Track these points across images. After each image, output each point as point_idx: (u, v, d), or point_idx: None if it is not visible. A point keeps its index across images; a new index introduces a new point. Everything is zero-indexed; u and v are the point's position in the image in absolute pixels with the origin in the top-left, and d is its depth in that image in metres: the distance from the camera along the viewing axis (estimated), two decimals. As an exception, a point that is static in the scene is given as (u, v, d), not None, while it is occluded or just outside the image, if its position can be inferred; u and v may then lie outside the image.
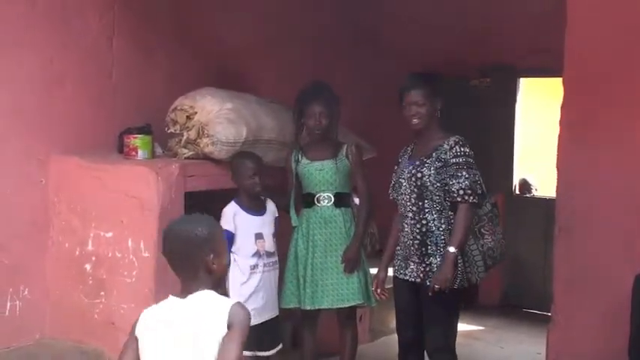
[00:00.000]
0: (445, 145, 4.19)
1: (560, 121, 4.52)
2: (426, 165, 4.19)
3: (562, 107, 4.51)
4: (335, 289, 4.76)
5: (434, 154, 4.20)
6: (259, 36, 6.09)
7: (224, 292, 2.88)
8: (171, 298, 2.74)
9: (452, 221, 4.15)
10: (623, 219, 4.32)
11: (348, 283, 4.76)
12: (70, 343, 4.65)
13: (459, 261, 4.11)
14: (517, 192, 7.72)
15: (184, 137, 4.85)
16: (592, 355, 4.38)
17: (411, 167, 4.26)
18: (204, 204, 4.71)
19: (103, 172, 4.63)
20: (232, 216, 4.59)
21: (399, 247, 4.36)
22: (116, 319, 4.54)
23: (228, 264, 2.93)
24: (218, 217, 4.62)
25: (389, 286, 4.49)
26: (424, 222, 4.19)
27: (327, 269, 4.77)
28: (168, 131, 4.95)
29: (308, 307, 4.78)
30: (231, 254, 4.43)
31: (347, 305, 4.81)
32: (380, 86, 7.13)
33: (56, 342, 4.69)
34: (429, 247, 4.18)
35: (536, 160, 7.78)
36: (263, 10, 6.16)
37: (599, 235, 4.39)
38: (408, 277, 4.26)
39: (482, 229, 4.27)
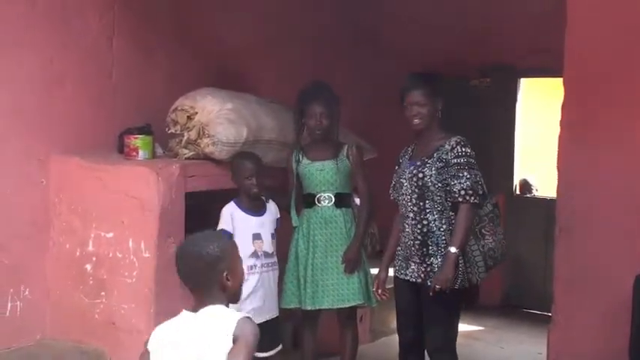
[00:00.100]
0: (446, 146, 4.18)
1: (561, 122, 4.53)
2: (428, 165, 4.19)
3: (562, 107, 4.51)
4: (335, 290, 4.76)
5: (435, 154, 4.20)
6: (259, 36, 6.09)
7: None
8: (184, 313, 2.72)
9: (453, 221, 4.15)
10: (624, 219, 4.32)
11: (348, 283, 4.77)
12: (70, 343, 4.65)
13: (460, 261, 4.11)
14: (518, 192, 7.72)
15: (185, 137, 4.85)
16: (592, 355, 4.38)
17: (412, 167, 4.26)
18: (205, 204, 4.74)
19: (103, 173, 4.63)
20: (230, 216, 4.60)
21: (399, 248, 4.36)
22: (117, 319, 4.55)
23: (244, 276, 2.88)
24: (218, 217, 4.62)
25: (389, 286, 4.49)
26: (425, 222, 4.19)
27: (328, 269, 4.77)
28: (169, 131, 4.95)
29: (308, 307, 4.78)
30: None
31: (347, 305, 4.81)
32: (380, 86, 7.13)
33: (57, 342, 4.69)
34: (430, 248, 4.18)
35: (536, 160, 7.78)
36: (263, 10, 6.16)
37: (600, 235, 4.39)
38: (408, 278, 4.26)
39: (483, 230, 4.27)
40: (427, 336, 4.25)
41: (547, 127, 5.73)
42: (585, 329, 4.42)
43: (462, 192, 4.11)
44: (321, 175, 4.80)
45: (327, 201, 4.81)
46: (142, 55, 5.29)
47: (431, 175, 4.17)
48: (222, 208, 4.64)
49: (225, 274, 2.70)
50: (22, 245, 4.63)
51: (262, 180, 4.67)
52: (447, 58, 7.11)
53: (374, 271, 4.66)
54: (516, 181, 7.71)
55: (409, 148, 4.42)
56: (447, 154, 4.17)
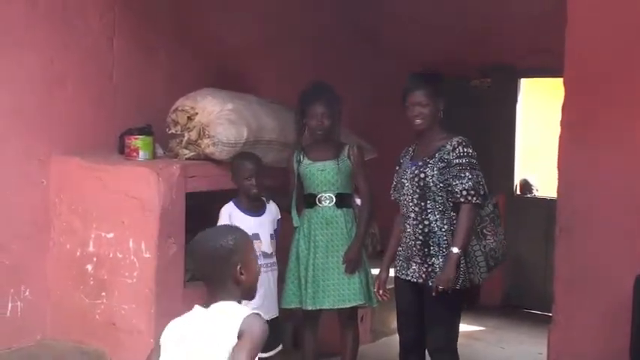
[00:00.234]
0: (448, 146, 4.18)
1: (561, 122, 4.53)
2: (429, 165, 4.19)
3: (562, 107, 4.51)
4: (336, 290, 4.76)
5: (437, 154, 4.19)
6: (259, 36, 6.09)
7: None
8: (195, 308, 2.70)
9: (454, 222, 4.15)
10: (624, 219, 4.32)
11: (349, 283, 4.77)
12: (71, 343, 4.65)
13: (461, 261, 4.11)
14: (518, 192, 7.72)
15: (185, 138, 4.86)
16: (593, 355, 4.38)
17: (413, 168, 4.26)
18: (205, 205, 4.74)
19: (104, 173, 4.63)
20: (228, 216, 4.60)
21: (400, 248, 4.36)
22: (117, 319, 4.55)
23: (259, 271, 2.85)
24: (217, 217, 4.63)
25: (390, 286, 4.49)
26: (426, 222, 4.19)
27: (329, 269, 4.77)
28: (169, 132, 4.95)
29: (309, 308, 4.78)
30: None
31: (348, 306, 4.81)
32: (380, 86, 7.14)
33: (57, 343, 4.69)
34: (432, 248, 4.18)
35: (537, 160, 7.78)
36: (263, 10, 6.16)
37: (600, 235, 4.39)
38: (410, 278, 4.26)
39: (484, 230, 4.27)
40: (428, 336, 4.25)
41: (547, 127, 5.74)
42: (586, 329, 4.42)
43: (464, 192, 4.11)
44: (322, 175, 4.80)
45: (328, 201, 4.82)
46: (143, 55, 5.29)
47: (432, 176, 4.16)
48: (222, 208, 4.65)
49: (238, 267, 2.67)
50: (23, 245, 4.63)
51: (262, 180, 4.67)
52: (447, 58, 7.11)
53: (375, 271, 4.66)
54: (517, 182, 7.71)
55: (410, 149, 4.42)
56: (448, 154, 4.17)
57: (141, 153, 4.75)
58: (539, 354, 5.34)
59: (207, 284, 2.72)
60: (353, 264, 4.76)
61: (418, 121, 4.25)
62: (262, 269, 4.61)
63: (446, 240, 4.16)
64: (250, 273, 2.73)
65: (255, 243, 4.59)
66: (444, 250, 4.14)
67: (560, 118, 4.53)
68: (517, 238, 7.01)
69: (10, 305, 4.57)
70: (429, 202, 4.19)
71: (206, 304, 2.67)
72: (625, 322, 4.08)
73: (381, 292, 4.48)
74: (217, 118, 4.79)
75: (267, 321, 4.62)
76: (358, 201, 4.93)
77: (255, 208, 4.71)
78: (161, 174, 4.50)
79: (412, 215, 4.24)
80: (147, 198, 4.48)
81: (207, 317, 2.64)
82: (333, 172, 4.80)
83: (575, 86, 4.45)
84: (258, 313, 2.63)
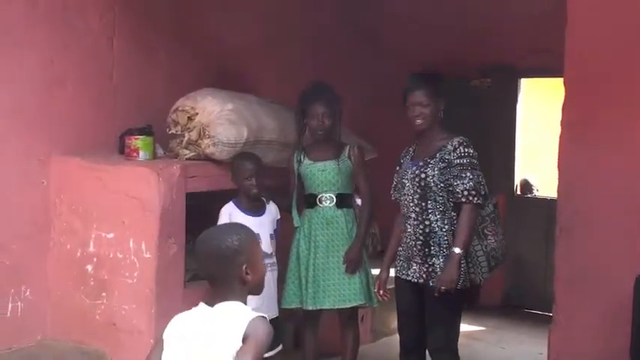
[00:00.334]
0: (449, 146, 4.18)
1: (561, 122, 4.52)
2: (430, 165, 4.19)
3: (563, 107, 4.51)
4: (337, 290, 4.77)
5: (437, 154, 4.19)
6: (259, 36, 6.10)
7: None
8: (201, 305, 2.66)
9: (455, 222, 4.15)
10: (624, 219, 4.32)
11: (349, 283, 4.77)
12: (71, 343, 4.65)
13: (462, 262, 4.11)
14: (518, 192, 7.72)
15: (185, 138, 4.86)
16: (593, 355, 4.38)
17: (414, 168, 4.25)
18: (205, 205, 4.74)
19: (104, 173, 4.64)
20: (228, 216, 4.60)
21: (401, 248, 4.36)
22: (117, 319, 4.55)
23: (265, 269, 2.81)
24: (217, 217, 4.63)
25: (391, 286, 4.49)
26: (427, 223, 4.19)
27: (329, 270, 4.77)
28: (170, 132, 4.95)
29: (310, 308, 4.78)
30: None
31: (349, 306, 4.81)
32: (380, 86, 7.14)
33: (57, 343, 4.69)
34: (432, 248, 4.18)
35: (537, 160, 7.78)
36: (263, 10, 6.16)
37: (600, 235, 4.39)
38: (410, 278, 4.26)
39: (485, 230, 4.27)
40: (429, 336, 4.25)
41: (547, 127, 5.74)
42: (586, 329, 4.42)
43: (465, 192, 4.11)
44: (323, 175, 4.80)
45: (328, 201, 4.82)
46: (143, 55, 5.29)
47: (433, 176, 4.16)
48: (222, 208, 4.65)
49: (244, 267, 2.63)
50: (23, 246, 4.64)
51: (262, 180, 4.67)
52: (447, 58, 7.11)
53: (375, 271, 4.66)
54: (517, 182, 7.71)
55: (410, 149, 4.42)
56: (449, 154, 4.16)
57: (141, 153, 4.76)
58: (540, 354, 5.34)
59: (211, 284, 2.68)
60: (353, 264, 4.76)
61: (419, 121, 4.24)
62: (265, 269, 4.63)
63: (446, 240, 4.16)
64: (256, 272, 2.68)
65: (256, 243, 4.60)
66: (445, 251, 4.14)
67: (560, 118, 4.53)
68: (517, 238, 7.01)
69: (10, 305, 4.57)
70: (429, 202, 4.19)
71: (211, 303, 2.63)
72: (625, 322, 4.08)
73: (381, 292, 4.48)
74: (217, 119, 4.79)
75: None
76: (359, 201, 4.93)
77: (255, 208, 4.71)
78: (161, 174, 4.50)
79: (413, 215, 4.24)
80: (147, 198, 4.48)
81: (212, 317, 2.61)
82: (334, 173, 4.80)
83: (575, 86, 4.45)
84: (263, 316, 2.60)
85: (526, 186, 7.78)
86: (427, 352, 4.35)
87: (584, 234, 4.43)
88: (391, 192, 4.44)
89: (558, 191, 4.58)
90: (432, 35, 7.32)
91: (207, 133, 4.76)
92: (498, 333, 6.77)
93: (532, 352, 5.95)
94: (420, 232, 4.20)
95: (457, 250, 4.07)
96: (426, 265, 4.19)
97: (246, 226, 2.79)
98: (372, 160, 5.49)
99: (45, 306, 4.74)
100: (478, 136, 4.83)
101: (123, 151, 4.88)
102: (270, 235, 4.74)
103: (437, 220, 4.18)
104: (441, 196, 4.17)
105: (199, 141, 4.79)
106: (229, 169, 4.77)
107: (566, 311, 4.50)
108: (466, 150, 4.16)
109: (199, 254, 2.70)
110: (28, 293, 4.65)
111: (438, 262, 4.15)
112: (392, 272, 4.47)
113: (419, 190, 4.21)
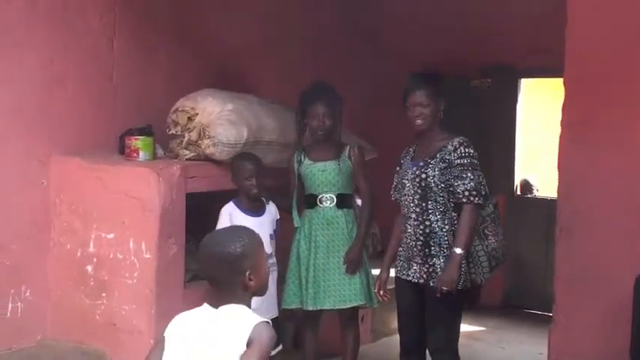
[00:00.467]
0: (449, 146, 4.18)
1: (561, 122, 4.52)
2: (431, 166, 4.18)
3: (563, 107, 4.51)
4: (337, 290, 4.76)
5: (438, 154, 4.19)
6: (259, 36, 6.10)
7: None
8: (205, 306, 2.65)
9: (455, 222, 4.15)
10: (624, 219, 4.32)
11: (350, 283, 4.77)
12: (71, 344, 4.65)
13: (463, 262, 4.11)
14: (518, 192, 7.72)
15: (185, 138, 4.86)
16: (593, 355, 4.38)
17: (414, 168, 4.25)
18: (205, 205, 4.74)
19: (104, 173, 4.63)
20: (228, 216, 4.60)
21: (401, 248, 4.36)
22: (117, 320, 4.55)
23: (269, 271, 2.81)
24: (217, 218, 4.63)
25: (391, 286, 4.49)
26: (427, 223, 4.19)
27: (329, 270, 4.77)
28: (170, 132, 4.95)
29: (310, 308, 4.78)
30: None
31: (349, 306, 4.81)
32: (380, 86, 7.14)
33: (57, 343, 4.69)
34: (433, 248, 4.18)
35: (537, 160, 7.78)
36: (263, 10, 6.16)
37: (600, 235, 4.39)
38: (410, 278, 4.26)
39: (485, 230, 4.27)
40: (429, 336, 4.25)
41: (547, 128, 5.74)
42: (586, 329, 4.42)
43: (466, 193, 4.11)
44: (323, 175, 4.80)
45: (328, 202, 4.81)
46: (143, 55, 5.29)
47: (434, 176, 4.16)
48: (222, 208, 4.65)
49: (247, 273, 2.62)
50: (23, 246, 4.64)
51: (262, 181, 4.67)
52: (447, 58, 7.11)
53: (375, 271, 4.66)
54: (517, 182, 7.71)
55: (410, 149, 4.41)
56: (450, 154, 4.16)
57: (141, 153, 4.76)
58: (540, 354, 5.34)
59: (213, 287, 2.67)
60: (354, 264, 4.76)
61: (419, 121, 4.24)
62: (266, 270, 4.63)
63: (447, 240, 4.16)
64: (260, 277, 2.68)
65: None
66: (445, 251, 4.14)
67: (560, 118, 4.53)
68: (517, 238, 7.02)
69: (10, 306, 4.57)
70: (430, 202, 4.19)
71: (215, 305, 2.63)
72: (625, 322, 4.08)
73: (381, 292, 4.48)
74: (217, 119, 4.79)
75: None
76: (359, 201, 4.93)
77: (255, 209, 4.71)
78: (161, 174, 4.50)
79: (413, 216, 4.23)
80: (147, 198, 4.48)
81: (216, 319, 2.60)
82: (334, 173, 4.79)
83: (575, 86, 4.45)
84: (267, 322, 2.59)
85: (526, 186, 7.78)
86: (427, 352, 4.35)
87: (584, 234, 4.43)
88: (391, 192, 4.44)
89: (558, 191, 4.58)
90: (432, 35, 7.32)
91: (207, 133, 4.76)
92: (498, 333, 6.77)
93: (532, 352, 5.95)
94: (421, 232, 4.20)
95: (458, 251, 4.07)
96: (427, 266, 4.19)
97: (250, 230, 2.77)
98: (372, 160, 5.49)
99: (45, 306, 4.74)
100: (478, 136, 4.82)
101: (123, 151, 4.88)
102: (270, 235, 4.74)
103: (437, 221, 4.17)
104: (442, 196, 4.16)
105: (199, 141, 4.79)
106: (229, 169, 4.77)
107: (566, 311, 4.50)
108: (466, 150, 4.16)
109: (202, 258, 2.69)
110: (28, 293, 4.65)
111: (439, 262, 4.15)
112: (392, 272, 4.47)
113: (419, 191, 4.21)
